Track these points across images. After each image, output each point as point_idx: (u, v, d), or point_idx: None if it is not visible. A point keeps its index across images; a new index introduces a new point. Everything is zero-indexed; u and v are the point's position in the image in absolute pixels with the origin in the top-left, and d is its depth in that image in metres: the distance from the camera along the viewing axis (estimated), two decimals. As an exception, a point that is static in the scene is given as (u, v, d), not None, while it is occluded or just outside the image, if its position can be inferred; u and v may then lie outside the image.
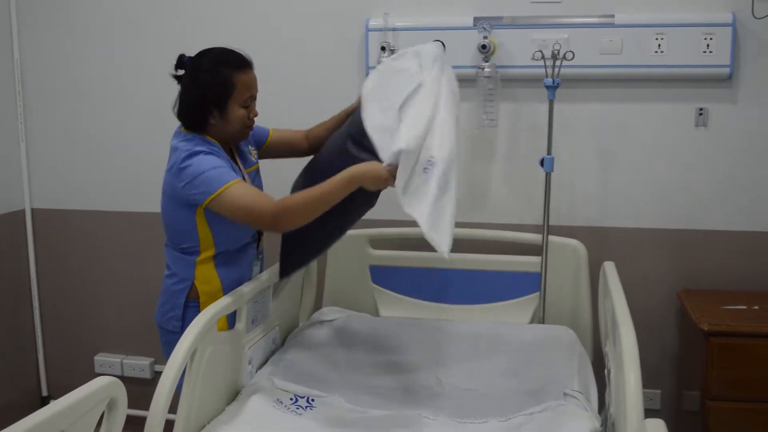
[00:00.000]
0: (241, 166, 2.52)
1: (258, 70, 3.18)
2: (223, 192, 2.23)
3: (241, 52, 2.41)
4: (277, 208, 2.22)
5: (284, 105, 3.15)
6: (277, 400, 2.30)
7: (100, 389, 1.71)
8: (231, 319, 2.41)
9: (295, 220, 2.25)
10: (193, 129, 2.39)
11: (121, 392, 1.76)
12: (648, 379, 3.06)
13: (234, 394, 2.36)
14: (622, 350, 1.94)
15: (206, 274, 2.42)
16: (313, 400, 2.33)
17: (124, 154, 3.43)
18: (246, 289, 2.39)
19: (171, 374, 1.94)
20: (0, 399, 3.44)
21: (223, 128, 2.38)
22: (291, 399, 2.32)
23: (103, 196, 3.48)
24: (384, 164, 2.23)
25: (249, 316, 2.43)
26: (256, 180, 2.58)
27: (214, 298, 2.37)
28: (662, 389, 3.12)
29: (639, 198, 3.03)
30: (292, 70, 3.19)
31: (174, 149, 2.36)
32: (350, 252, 3.06)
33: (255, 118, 2.46)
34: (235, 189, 2.23)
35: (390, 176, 2.21)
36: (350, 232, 3.05)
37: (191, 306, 2.43)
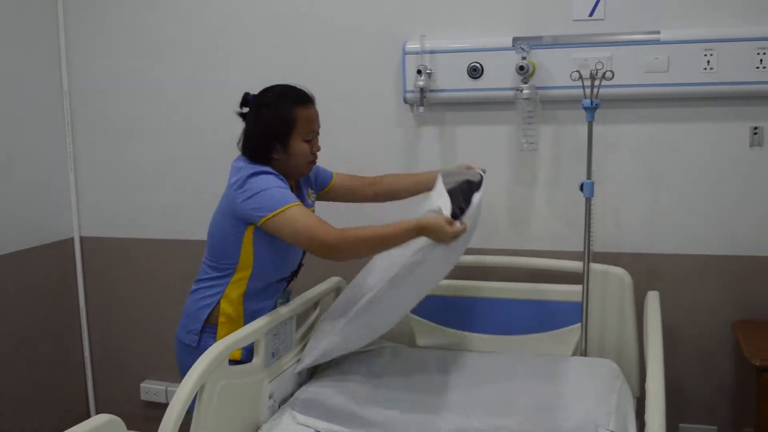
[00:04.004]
0: None
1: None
2: (285, 211, 2.25)
3: (302, 88, 2.46)
4: (338, 237, 2.23)
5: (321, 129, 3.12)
6: (298, 436, 2.24)
7: (97, 427, 1.69)
8: (246, 352, 2.36)
9: (352, 252, 2.27)
10: (256, 162, 2.42)
11: (120, 430, 1.73)
12: (703, 415, 2.95)
13: (254, 430, 2.30)
14: (648, 392, 1.82)
15: (234, 297, 2.43)
16: (335, 436, 2.25)
17: (171, 182, 3.45)
18: (263, 321, 2.34)
19: (176, 409, 1.89)
20: (49, 425, 3.47)
21: (286, 162, 2.42)
22: (313, 435, 2.25)
23: (150, 224, 3.50)
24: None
25: (268, 349, 2.37)
26: None
27: (233, 323, 2.41)
28: (718, 425, 2.94)
29: (690, 223, 2.87)
30: (327, 94, 3.12)
31: (237, 169, 2.40)
32: (387, 280, 2.97)
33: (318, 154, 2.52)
34: (298, 211, 2.27)
35: (451, 227, 2.24)
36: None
37: (207, 331, 2.44)
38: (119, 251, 3.56)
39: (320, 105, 3.17)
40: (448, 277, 2.97)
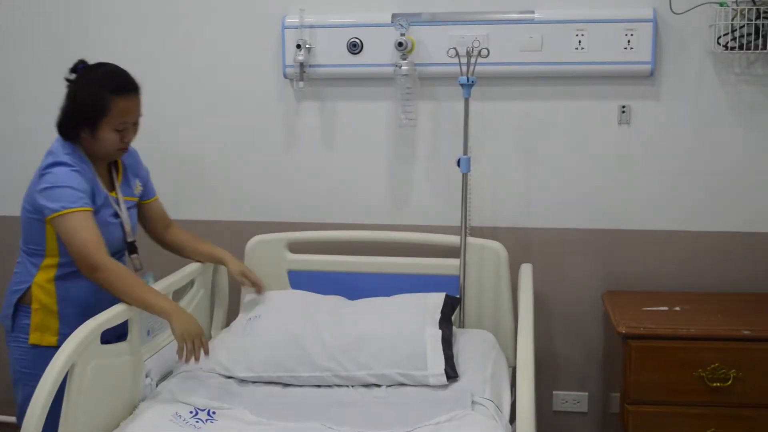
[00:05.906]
0: (117, 189, 2.46)
1: (170, 71, 3.11)
2: (66, 215, 2.21)
3: (128, 76, 2.36)
4: (104, 265, 2.21)
5: (200, 105, 3.07)
6: (176, 413, 2.20)
7: None
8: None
9: (107, 287, 2.24)
10: (65, 138, 2.35)
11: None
12: (575, 382, 3.06)
13: (132, 409, 2.26)
14: (518, 361, 1.88)
15: (44, 282, 2.36)
16: (214, 412, 2.23)
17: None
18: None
19: (44, 393, 1.86)
20: None
21: (93, 145, 2.35)
22: (191, 412, 2.22)
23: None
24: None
25: (143, 326, 2.33)
26: (131, 211, 2.52)
27: (46, 309, 2.34)
28: (589, 392, 3.06)
29: (562, 198, 2.97)
30: (206, 68, 3.09)
31: (49, 152, 2.32)
32: (268, 256, 2.96)
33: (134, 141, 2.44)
34: (81, 217, 2.22)
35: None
36: (267, 236, 2.98)
37: (22, 311, 2.37)
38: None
39: (200, 80, 3.10)
40: (326, 252, 2.98)
